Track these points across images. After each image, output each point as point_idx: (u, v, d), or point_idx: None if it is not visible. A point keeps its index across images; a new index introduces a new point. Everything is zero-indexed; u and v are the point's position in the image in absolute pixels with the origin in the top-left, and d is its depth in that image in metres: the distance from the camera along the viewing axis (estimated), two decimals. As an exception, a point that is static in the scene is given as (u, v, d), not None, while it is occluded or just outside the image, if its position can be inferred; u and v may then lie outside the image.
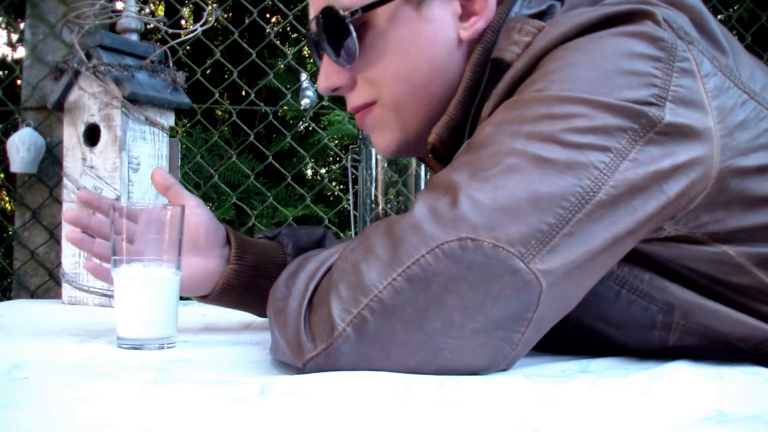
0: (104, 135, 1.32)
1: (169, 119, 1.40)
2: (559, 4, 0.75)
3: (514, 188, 0.59)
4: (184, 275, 0.86)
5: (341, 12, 0.75)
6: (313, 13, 0.80)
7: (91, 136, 1.36)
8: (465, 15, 0.77)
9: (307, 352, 0.60)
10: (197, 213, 0.89)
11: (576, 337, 0.74)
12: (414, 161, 1.35)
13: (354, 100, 0.81)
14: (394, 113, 0.79)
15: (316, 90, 1.77)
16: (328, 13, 0.76)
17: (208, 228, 0.90)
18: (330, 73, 0.80)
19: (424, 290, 0.57)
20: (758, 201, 0.66)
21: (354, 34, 0.76)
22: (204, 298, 0.93)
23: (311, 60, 3.47)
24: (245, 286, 0.92)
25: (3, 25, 2.71)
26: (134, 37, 1.41)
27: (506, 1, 0.76)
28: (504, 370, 0.63)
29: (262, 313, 0.99)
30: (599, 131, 0.60)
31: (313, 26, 0.79)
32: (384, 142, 0.82)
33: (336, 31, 0.76)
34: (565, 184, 0.59)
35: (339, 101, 2.26)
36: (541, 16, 0.74)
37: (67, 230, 0.89)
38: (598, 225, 0.59)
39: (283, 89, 2.20)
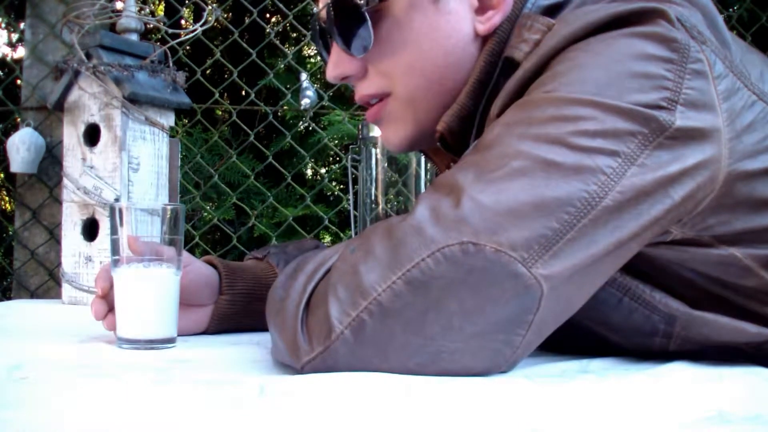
0: (104, 135, 1.32)
1: (169, 119, 1.39)
2: None
3: (519, 192, 0.58)
4: (185, 327, 0.87)
5: (358, 0, 0.74)
6: (323, 1, 0.79)
7: (91, 136, 1.36)
8: (481, 8, 0.76)
9: (304, 354, 0.59)
10: (187, 271, 0.86)
11: (574, 337, 0.74)
12: (414, 161, 1.35)
13: (364, 89, 0.80)
14: (409, 107, 0.78)
15: (316, 90, 1.77)
16: (344, 1, 0.75)
17: (207, 283, 0.90)
18: (340, 62, 0.78)
19: (423, 294, 0.57)
20: (765, 203, 0.65)
21: (369, 23, 0.74)
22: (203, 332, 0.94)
23: (311, 60, 3.47)
24: (240, 313, 0.92)
25: (3, 25, 2.71)
26: (134, 37, 1.41)
27: None
28: (503, 372, 0.62)
29: (265, 328, 0.99)
30: (608, 135, 0.59)
31: (323, 14, 0.78)
32: (396, 137, 0.81)
33: (349, 20, 0.75)
34: (571, 189, 0.58)
35: (339, 101, 2.26)
36: (558, 8, 0.73)
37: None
38: (602, 230, 0.58)
39: (283, 89, 2.20)
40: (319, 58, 3.03)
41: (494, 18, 0.75)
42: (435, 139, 0.78)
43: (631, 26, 0.64)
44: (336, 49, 0.79)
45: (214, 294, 0.92)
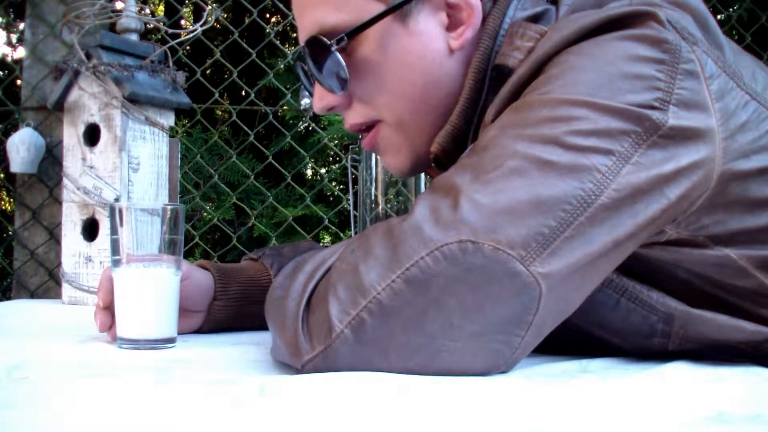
0: (104, 135, 1.32)
1: (169, 119, 1.39)
2: (553, 9, 0.74)
3: (516, 191, 0.58)
4: (180, 329, 0.85)
5: (327, 42, 0.74)
6: (301, 40, 0.79)
7: (91, 136, 1.36)
8: (452, 25, 0.76)
9: (305, 353, 0.60)
10: (185, 285, 0.86)
11: (575, 341, 0.74)
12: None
13: (352, 119, 0.80)
14: (400, 132, 0.79)
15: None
16: (315, 43, 0.75)
17: (203, 292, 0.91)
18: (324, 95, 0.79)
19: (423, 292, 0.57)
20: (759, 203, 0.66)
21: (342, 62, 0.75)
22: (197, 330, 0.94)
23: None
24: (234, 316, 0.93)
25: (3, 25, 2.71)
26: (134, 37, 1.41)
27: (499, 5, 0.75)
28: (503, 372, 0.62)
29: (260, 328, 0.99)
30: (602, 134, 0.60)
31: (303, 53, 0.79)
32: (398, 163, 0.82)
33: (324, 61, 0.76)
34: (567, 187, 0.58)
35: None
36: (536, 18, 0.74)
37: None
38: (599, 228, 0.59)
39: (283, 89, 2.20)
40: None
41: (466, 33, 0.75)
42: (430, 159, 0.79)
43: (622, 29, 0.64)
44: (318, 84, 0.79)
45: (209, 299, 0.92)
